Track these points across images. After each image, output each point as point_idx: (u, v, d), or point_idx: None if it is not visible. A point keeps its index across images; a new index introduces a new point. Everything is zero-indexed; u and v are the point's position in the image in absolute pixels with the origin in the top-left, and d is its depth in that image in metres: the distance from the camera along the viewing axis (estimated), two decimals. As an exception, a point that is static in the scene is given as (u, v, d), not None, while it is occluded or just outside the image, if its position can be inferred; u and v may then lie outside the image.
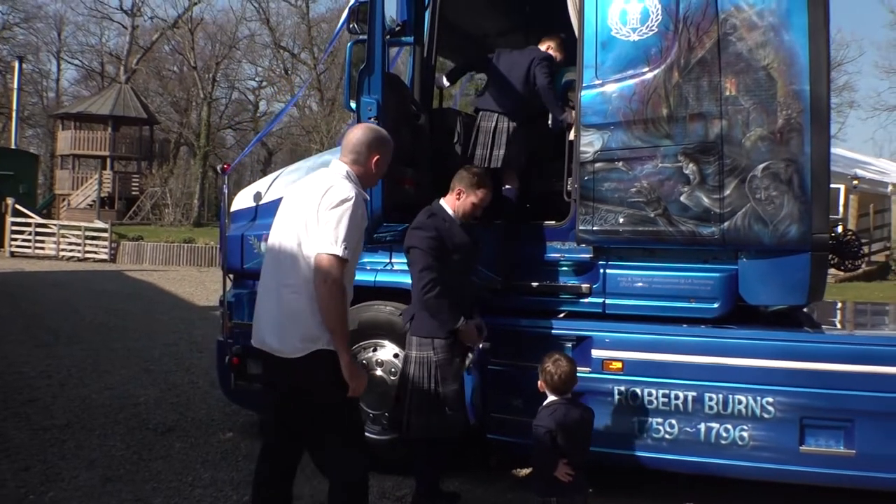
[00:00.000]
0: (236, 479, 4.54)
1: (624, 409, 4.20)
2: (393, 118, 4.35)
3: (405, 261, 4.15)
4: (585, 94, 4.30)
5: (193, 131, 41.45)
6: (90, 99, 37.48)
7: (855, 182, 21.69)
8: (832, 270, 5.51)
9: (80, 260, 23.10)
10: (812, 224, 4.03)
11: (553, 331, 4.40)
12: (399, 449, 4.37)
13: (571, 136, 4.58)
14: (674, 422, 4.13)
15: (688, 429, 4.10)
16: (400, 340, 4.39)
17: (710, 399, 4.07)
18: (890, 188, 23.15)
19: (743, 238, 4.11)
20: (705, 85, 4.10)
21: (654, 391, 4.15)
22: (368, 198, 3.38)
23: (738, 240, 4.12)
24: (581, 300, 4.50)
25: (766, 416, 4.00)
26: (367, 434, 3.82)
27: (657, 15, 4.18)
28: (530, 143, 4.99)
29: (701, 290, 4.26)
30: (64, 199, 34.01)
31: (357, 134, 3.33)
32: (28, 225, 24.61)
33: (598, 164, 4.27)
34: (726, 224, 4.09)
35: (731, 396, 4.04)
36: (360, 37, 4.42)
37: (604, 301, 4.43)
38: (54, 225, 25.31)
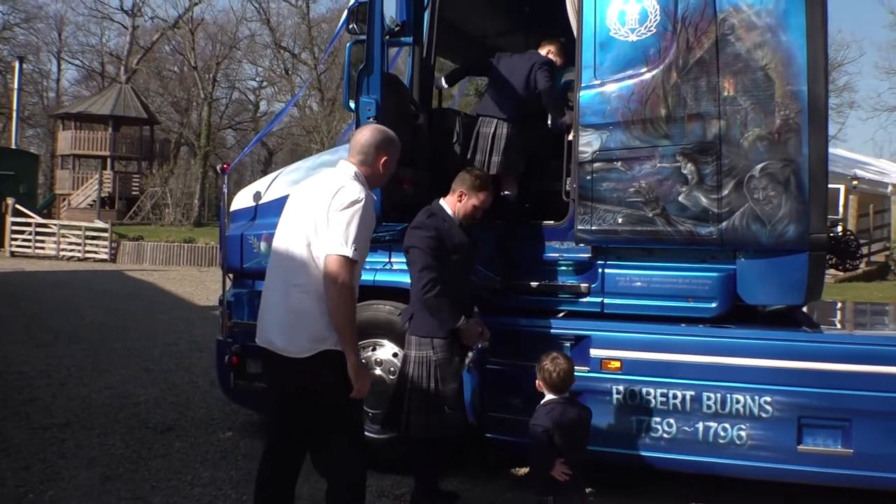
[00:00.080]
0: (235, 478, 4.55)
1: (622, 408, 4.21)
2: (392, 118, 4.35)
3: (404, 260, 4.16)
4: (584, 95, 4.31)
5: (194, 131, 41.47)
6: (90, 99, 37.50)
7: (855, 182, 21.70)
8: (832, 270, 5.52)
9: (80, 260, 23.09)
10: (810, 224, 4.04)
11: (552, 330, 4.41)
12: (398, 448, 4.38)
13: (570, 136, 4.59)
14: (672, 421, 4.14)
15: (686, 428, 4.12)
16: (399, 340, 4.40)
17: (709, 398, 4.08)
18: (890, 188, 23.15)
19: (741, 238, 4.12)
20: (703, 85, 4.11)
21: (652, 390, 4.16)
22: (375, 198, 3.40)
23: (737, 240, 4.13)
24: (580, 299, 4.51)
25: (763, 415, 4.01)
26: (366, 433, 3.84)
27: (655, 15, 4.19)
28: (529, 146, 5.00)
29: (699, 289, 4.27)
30: (64, 199, 34.03)
31: (365, 135, 3.35)
32: (28, 225, 24.61)
33: (596, 164, 4.28)
34: (724, 224, 4.10)
35: (729, 396, 4.05)
36: (360, 37, 4.43)
37: (602, 300, 4.44)
38: (54, 225, 25.31)
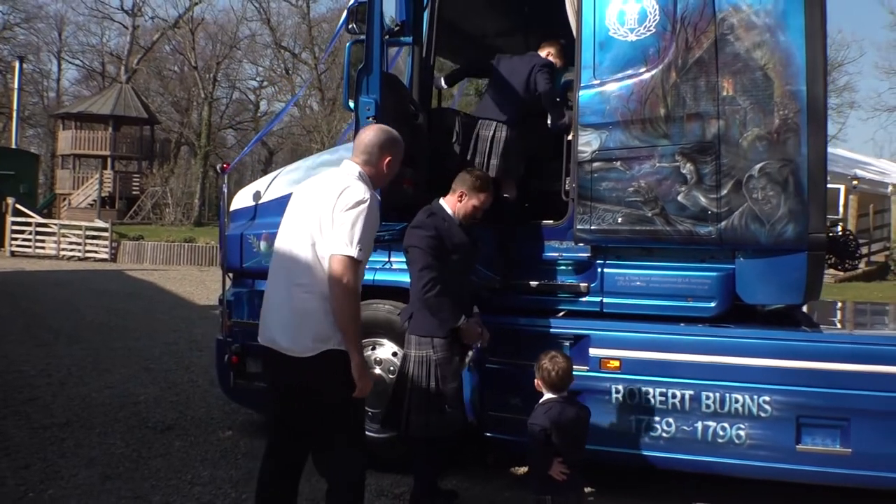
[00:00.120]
0: (235, 477, 4.56)
1: (621, 407, 4.21)
2: (391, 118, 4.35)
3: (404, 259, 4.17)
4: (583, 94, 4.31)
5: (194, 131, 41.46)
6: (91, 99, 37.51)
7: (855, 182, 21.70)
8: (832, 270, 5.53)
9: (80, 259, 23.11)
10: (809, 224, 4.04)
11: (551, 329, 4.41)
12: (397, 447, 4.39)
13: (570, 136, 4.60)
14: (671, 420, 4.14)
15: (685, 427, 4.12)
16: (399, 339, 4.41)
17: (708, 398, 4.09)
18: (890, 188, 23.14)
19: (740, 237, 4.12)
20: (702, 85, 4.11)
21: (651, 390, 4.16)
22: (379, 198, 3.41)
23: (735, 239, 4.14)
24: (579, 299, 4.52)
25: (762, 414, 4.02)
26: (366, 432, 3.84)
27: (655, 15, 4.19)
28: (529, 147, 5.00)
29: (698, 289, 4.27)
30: (64, 199, 34.05)
31: (369, 135, 3.36)
32: (28, 224, 24.62)
33: (595, 164, 4.28)
34: (723, 223, 4.11)
35: (728, 395, 4.06)
36: (359, 37, 4.43)
37: (601, 300, 4.45)
38: (55, 224, 25.33)
